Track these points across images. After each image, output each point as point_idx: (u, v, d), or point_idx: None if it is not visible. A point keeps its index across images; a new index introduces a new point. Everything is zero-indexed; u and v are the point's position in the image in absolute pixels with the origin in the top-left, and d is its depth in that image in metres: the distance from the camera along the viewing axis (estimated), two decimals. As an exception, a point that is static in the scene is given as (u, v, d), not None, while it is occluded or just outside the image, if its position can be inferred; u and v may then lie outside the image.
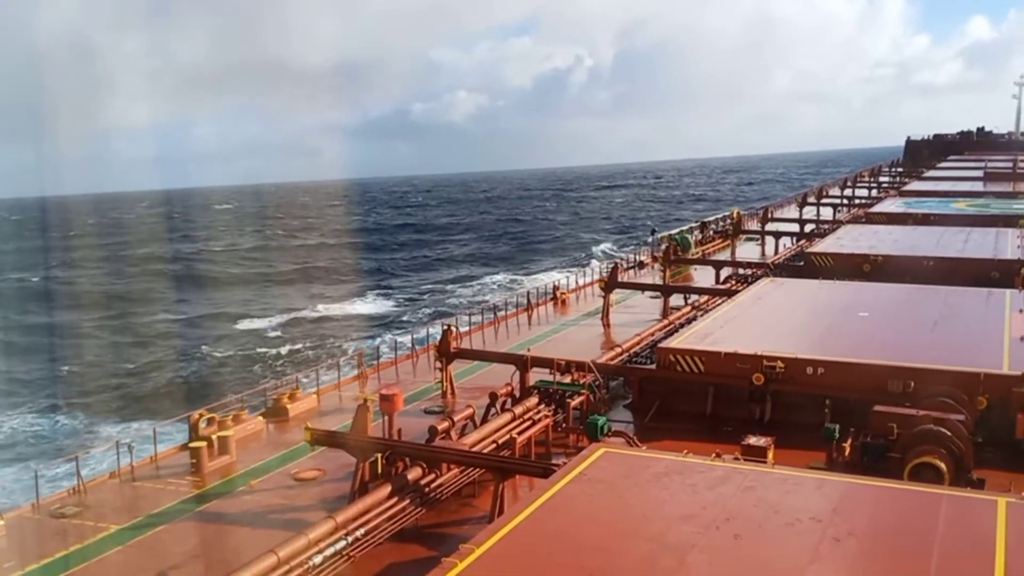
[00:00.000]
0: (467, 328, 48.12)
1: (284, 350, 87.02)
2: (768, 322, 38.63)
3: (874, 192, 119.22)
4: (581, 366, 33.43)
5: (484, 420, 29.48)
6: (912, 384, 29.35)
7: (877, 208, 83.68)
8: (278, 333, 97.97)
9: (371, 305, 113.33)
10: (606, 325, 49.17)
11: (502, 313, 51.88)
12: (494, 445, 27.34)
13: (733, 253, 74.69)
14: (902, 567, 16.36)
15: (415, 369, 41.81)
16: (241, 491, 27.71)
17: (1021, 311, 38.09)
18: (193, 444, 29.74)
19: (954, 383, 28.89)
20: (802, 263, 58.64)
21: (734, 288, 49.98)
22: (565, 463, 22.09)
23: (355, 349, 57.01)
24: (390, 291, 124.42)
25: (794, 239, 77.67)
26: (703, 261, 67.90)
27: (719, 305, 43.50)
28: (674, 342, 35.28)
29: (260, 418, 34.13)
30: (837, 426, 26.36)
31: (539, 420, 29.64)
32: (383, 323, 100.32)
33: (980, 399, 28.63)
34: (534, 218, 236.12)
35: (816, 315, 40.24)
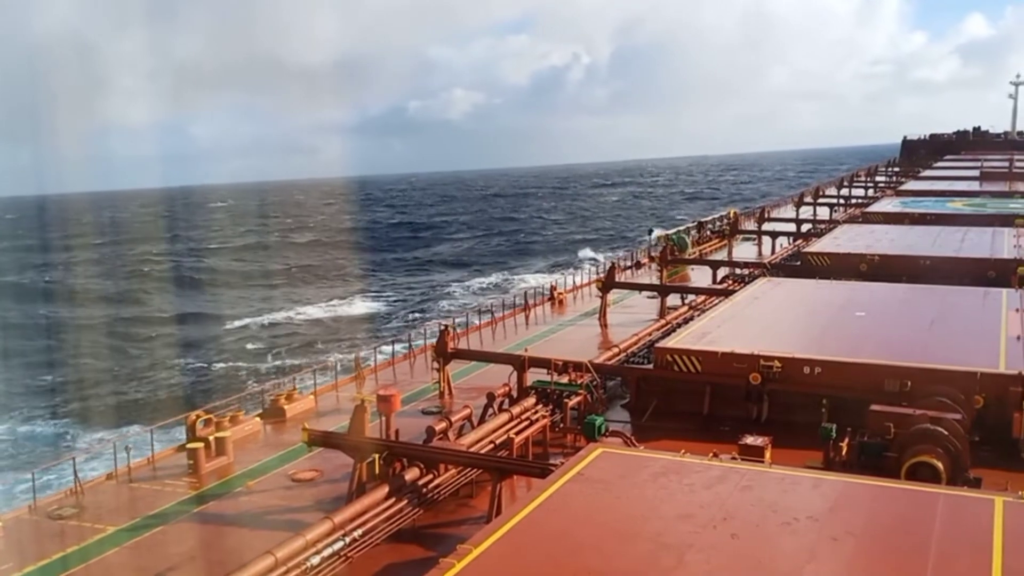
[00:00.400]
0: (464, 328, 48.14)
1: (276, 351, 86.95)
2: (765, 322, 38.66)
3: (871, 192, 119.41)
4: (578, 366, 33.44)
5: (482, 420, 29.48)
6: (909, 383, 29.39)
7: (874, 208, 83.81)
8: (269, 333, 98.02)
9: (364, 305, 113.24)
10: (603, 325, 49.20)
11: (499, 313, 51.89)
12: (492, 445, 27.34)
13: (730, 253, 74.74)
14: (899, 566, 16.38)
15: (412, 370, 41.80)
16: (238, 492, 27.69)
17: (1017, 310, 38.15)
18: (190, 445, 29.70)
19: (951, 382, 28.92)
20: (799, 263, 58.70)
21: (731, 288, 50.02)
22: (563, 463, 22.09)
23: (352, 350, 57.06)
24: (383, 291, 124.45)
25: (791, 239, 77.72)
26: (700, 261, 67.95)
27: (716, 305, 43.53)
28: (671, 342, 35.30)
29: (257, 419, 34.10)
30: (834, 425, 26.36)
31: (537, 420, 29.64)
32: (377, 323, 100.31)
33: (977, 398, 28.68)
34: (529, 216, 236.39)
35: (813, 315, 40.28)
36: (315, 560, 20.66)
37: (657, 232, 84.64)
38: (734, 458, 22.61)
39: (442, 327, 37.95)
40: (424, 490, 24.44)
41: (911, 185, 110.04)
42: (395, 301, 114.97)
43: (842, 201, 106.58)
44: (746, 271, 57.87)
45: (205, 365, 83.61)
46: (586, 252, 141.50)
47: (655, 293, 53.78)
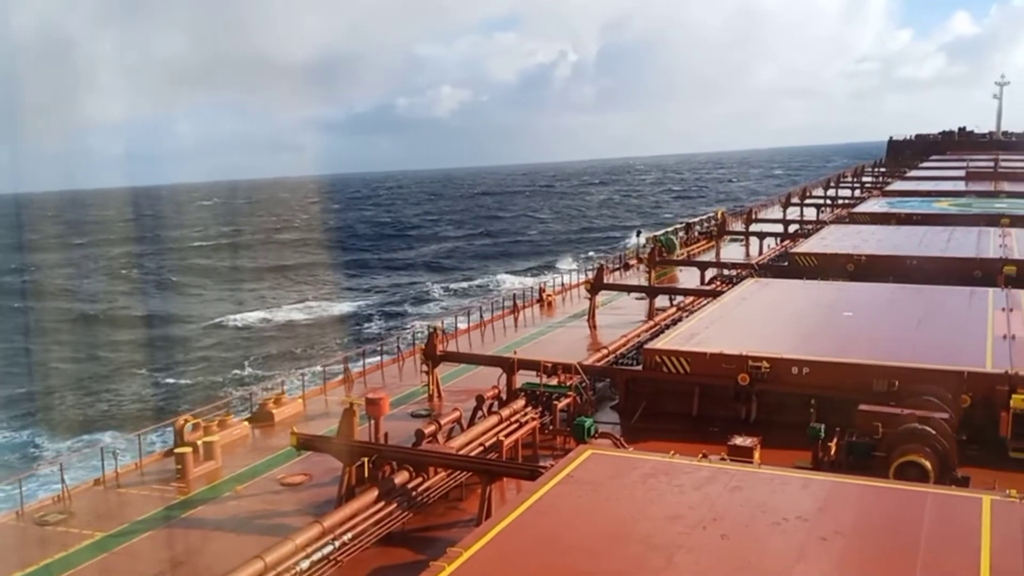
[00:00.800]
0: (453, 331, 48.08)
1: (254, 356, 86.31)
2: (753, 322, 38.76)
3: (857, 192, 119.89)
4: (568, 368, 33.44)
5: (471, 423, 29.41)
6: (896, 383, 29.49)
7: (860, 208, 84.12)
8: (247, 335, 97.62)
9: (346, 307, 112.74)
10: (592, 327, 49.22)
11: (488, 316, 51.84)
12: (481, 448, 27.29)
13: (718, 254, 74.89)
14: (888, 565, 16.43)
15: (401, 373, 41.71)
16: (227, 497, 27.57)
17: (1003, 309, 38.35)
18: (178, 450, 29.57)
19: (938, 382, 29.04)
20: (786, 263, 58.89)
21: (719, 289, 50.13)
22: (552, 465, 22.08)
23: (336, 353, 56.90)
24: (365, 292, 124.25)
25: (778, 239, 77.97)
26: (688, 262, 68.06)
27: (704, 306, 43.61)
28: (660, 343, 35.34)
29: (246, 423, 33.98)
30: (823, 425, 26.42)
31: (526, 422, 29.60)
32: (361, 325, 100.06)
33: (964, 397, 28.81)
34: (516, 215, 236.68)
35: (801, 315, 40.40)
36: (304, 564, 20.60)
37: (645, 233, 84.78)
38: (723, 459, 22.63)
39: (431, 330, 37.89)
40: (413, 493, 24.39)
41: (897, 185, 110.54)
42: (378, 303, 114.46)
43: (829, 202, 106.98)
44: (734, 272, 58.01)
45: (183, 369, 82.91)
46: (569, 257, 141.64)
47: (644, 294, 53.82)
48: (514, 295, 55.27)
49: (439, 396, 36.63)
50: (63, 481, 27.53)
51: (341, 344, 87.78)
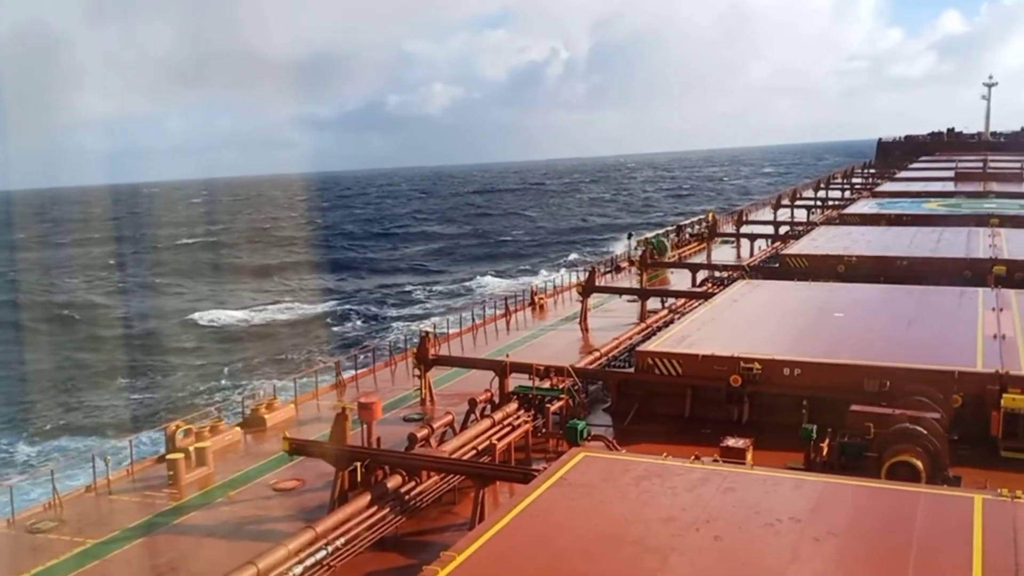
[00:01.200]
0: (445, 334, 48.03)
1: (240, 357, 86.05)
2: (745, 324, 38.82)
3: (847, 193, 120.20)
4: (560, 371, 33.46)
5: (463, 427, 29.41)
6: (888, 383, 29.55)
7: (850, 209, 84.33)
8: (232, 337, 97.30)
9: (329, 307, 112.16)
10: (584, 329, 49.24)
11: (480, 319, 51.83)
12: (474, 452, 27.27)
13: (709, 256, 75.00)
14: (881, 565, 16.48)
15: (393, 377, 41.65)
16: (219, 502, 27.49)
17: (993, 309, 38.48)
18: (170, 456, 29.48)
19: (929, 381, 29.12)
20: (777, 265, 58.98)
21: (710, 291, 50.23)
22: (545, 468, 22.08)
23: (333, 357, 56.76)
24: (349, 293, 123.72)
25: (769, 241, 78.14)
26: (679, 264, 68.18)
27: (696, 308, 43.68)
28: (652, 345, 35.37)
29: (237, 428, 33.90)
30: (815, 426, 26.49)
31: (519, 426, 29.60)
32: (343, 326, 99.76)
33: (955, 397, 28.87)
34: (506, 214, 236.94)
35: (792, 316, 40.47)
36: (297, 570, 20.53)
37: (636, 236, 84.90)
38: (716, 460, 22.66)
39: (423, 333, 37.86)
40: (406, 497, 24.35)
41: (887, 186, 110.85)
42: (362, 303, 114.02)
43: (819, 203, 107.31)
44: (725, 274, 58.13)
45: (164, 372, 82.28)
46: (558, 258, 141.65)
47: (635, 297, 53.92)
48: (506, 298, 55.27)
49: (431, 400, 36.60)
50: (54, 488, 27.41)
51: (324, 345, 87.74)
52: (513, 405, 30.56)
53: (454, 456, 26.11)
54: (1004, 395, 28.23)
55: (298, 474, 28.87)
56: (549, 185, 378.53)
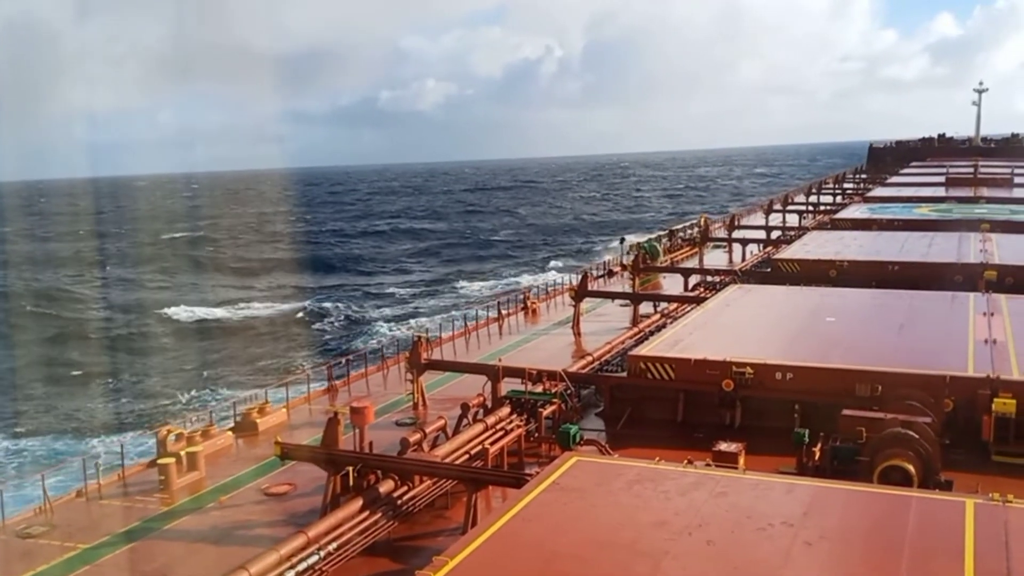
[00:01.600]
0: (438, 338, 47.97)
1: (217, 358, 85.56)
2: (737, 328, 38.88)
3: (839, 198, 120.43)
4: (552, 375, 33.43)
5: (456, 431, 29.37)
6: (879, 388, 29.64)
7: (842, 214, 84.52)
8: (211, 333, 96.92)
9: (312, 306, 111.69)
10: (577, 334, 49.23)
11: (473, 323, 51.80)
12: (466, 456, 27.25)
13: (701, 260, 75.10)
14: (873, 569, 16.51)
15: (386, 381, 41.59)
16: (211, 507, 27.39)
17: (984, 314, 38.61)
18: (161, 460, 29.35)
19: (921, 386, 29.20)
20: (769, 269, 59.06)
21: (703, 295, 50.31)
22: (538, 473, 22.07)
23: (324, 361, 56.64)
24: (335, 289, 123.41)
25: (761, 246, 78.22)
26: (672, 269, 68.15)
27: (688, 312, 43.71)
28: (644, 350, 35.40)
29: (229, 433, 33.78)
30: (807, 431, 26.53)
31: (511, 430, 29.59)
32: (322, 324, 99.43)
33: (946, 401, 28.93)
34: (496, 212, 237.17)
35: (784, 321, 40.55)
36: (290, 575, 20.48)
37: (629, 240, 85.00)
38: (708, 465, 22.68)
39: (415, 337, 37.81)
40: (399, 502, 24.32)
41: (878, 191, 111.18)
42: (346, 302, 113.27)
43: (811, 208, 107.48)
44: (717, 278, 58.20)
45: (138, 374, 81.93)
46: (551, 259, 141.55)
47: (628, 301, 53.93)
48: (498, 302, 55.26)
49: (424, 404, 36.53)
50: (45, 493, 27.29)
51: (302, 344, 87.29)
52: (506, 409, 30.53)
53: (447, 460, 26.09)
54: (995, 399, 28.30)
55: (290, 479, 28.78)
56: (542, 183, 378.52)
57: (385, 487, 24.23)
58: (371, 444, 26.89)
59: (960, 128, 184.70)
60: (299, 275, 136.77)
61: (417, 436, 27.29)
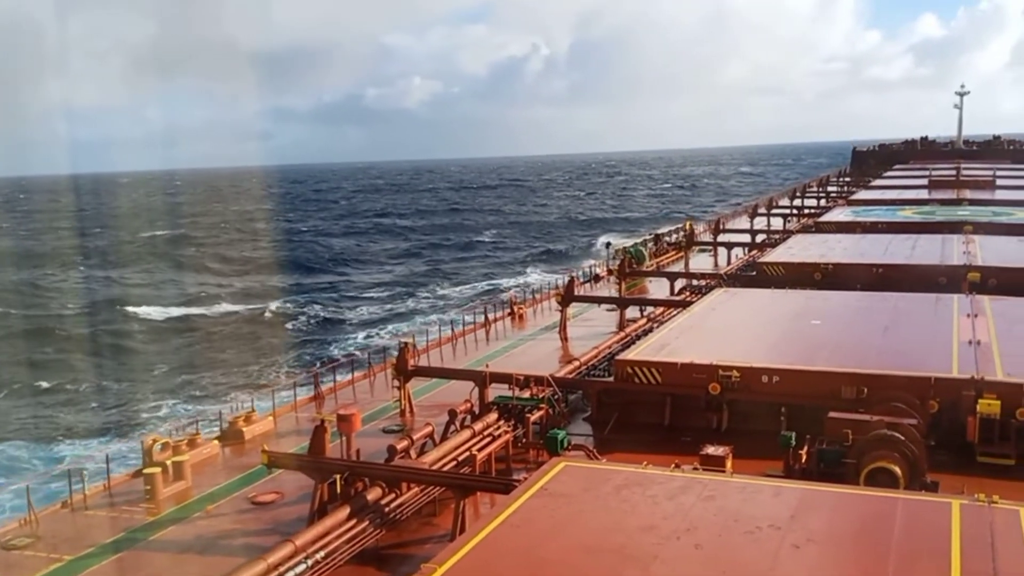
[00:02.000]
0: (424, 345, 47.90)
1: (195, 360, 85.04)
2: (723, 332, 38.98)
3: (823, 202, 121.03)
4: (540, 380, 33.43)
5: (443, 438, 29.28)
6: (865, 390, 29.77)
7: (826, 217, 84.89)
8: (187, 331, 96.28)
9: (292, 307, 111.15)
10: (563, 339, 49.26)
11: (459, 329, 51.76)
12: (454, 463, 27.18)
13: (687, 264, 75.31)
14: (860, 571, 16.57)
15: (372, 388, 41.50)
16: (197, 517, 27.24)
17: (968, 315, 38.84)
18: (147, 470, 29.16)
19: (906, 388, 29.34)
20: (754, 273, 59.24)
21: (689, 299, 50.38)
22: (526, 478, 22.06)
23: (309, 368, 56.41)
24: (312, 292, 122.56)
25: (746, 249, 78.51)
26: (657, 273, 68.36)
27: (674, 316, 43.78)
28: (631, 354, 35.44)
29: (215, 442, 33.62)
30: (793, 433, 26.58)
31: (499, 436, 29.52)
32: (297, 323, 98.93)
33: (931, 403, 29.07)
34: (482, 212, 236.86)
35: (769, 324, 40.69)
36: (277, 583, 20.39)
37: (615, 244, 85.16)
38: (696, 468, 22.72)
39: (402, 344, 37.74)
40: (387, 510, 24.24)
41: (862, 194, 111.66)
42: (324, 303, 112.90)
43: (795, 211, 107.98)
44: (703, 282, 58.31)
45: (110, 376, 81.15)
46: (537, 262, 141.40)
47: (614, 306, 54.06)
48: (485, 308, 55.25)
49: (411, 411, 36.48)
50: (29, 504, 27.07)
51: (283, 346, 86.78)
52: (493, 415, 30.49)
53: (434, 467, 26.02)
54: (980, 400, 28.47)
55: (277, 487, 28.66)
56: (528, 182, 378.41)
57: (373, 495, 24.16)
58: (358, 451, 26.79)
59: (944, 128, 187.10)
60: (280, 275, 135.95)
61: (404, 443, 27.25)
